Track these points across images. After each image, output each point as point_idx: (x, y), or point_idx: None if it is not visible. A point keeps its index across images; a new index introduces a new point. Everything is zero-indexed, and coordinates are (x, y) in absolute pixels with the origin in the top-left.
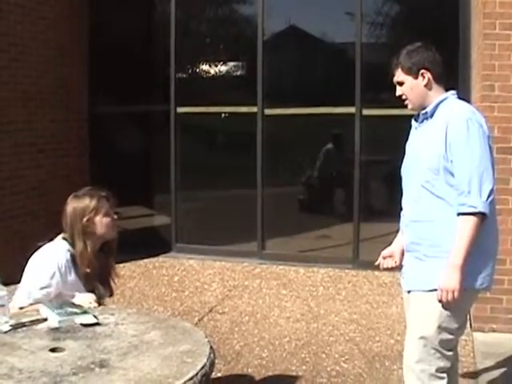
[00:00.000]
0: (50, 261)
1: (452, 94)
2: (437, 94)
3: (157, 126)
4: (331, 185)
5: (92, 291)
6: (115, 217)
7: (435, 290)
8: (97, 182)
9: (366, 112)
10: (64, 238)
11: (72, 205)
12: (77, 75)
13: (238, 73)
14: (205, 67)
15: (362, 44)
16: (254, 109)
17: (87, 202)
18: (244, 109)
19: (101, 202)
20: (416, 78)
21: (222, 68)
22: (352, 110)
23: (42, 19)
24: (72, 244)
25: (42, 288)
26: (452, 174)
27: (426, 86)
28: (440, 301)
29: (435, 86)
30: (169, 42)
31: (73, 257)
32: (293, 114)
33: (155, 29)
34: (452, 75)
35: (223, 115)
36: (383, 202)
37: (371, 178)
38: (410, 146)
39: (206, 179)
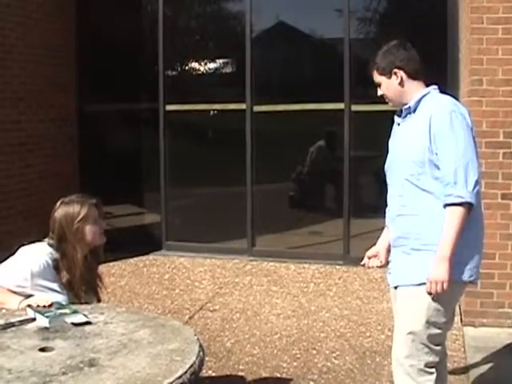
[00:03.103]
0: (24, 262)
1: (434, 88)
2: (416, 90)
3: (146, 124)
4: (321, 181)
5: (79, 298)
6: (103, 224)
7: (423, 284)
8: (86, 181)
9: (355, 108)
10: (49, 243)
11: (61, 211)
12: (65, 74)
13: (227, 70)
14: (193, 65)
15: (350, 40)
16: (243, 106)
17: (78, 209)
18: (232, 106)
19: (91, 209)
20: (390, 77)
21: (211, 65)
22: (341, 105)
23: (28, 18)
24: (58, 249)
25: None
26: (437, 167)
27: (400, 84)
28: (429, 293)
29: (411, 82)
30: (157, 40)
31: (55, 261)
32: (281, 110)
33: (143, 27)
34: (440, 70)
35: (212, 112)
36: (373, 198)
37: (361, 173)
38: (393, 142)
39: (196, 177)
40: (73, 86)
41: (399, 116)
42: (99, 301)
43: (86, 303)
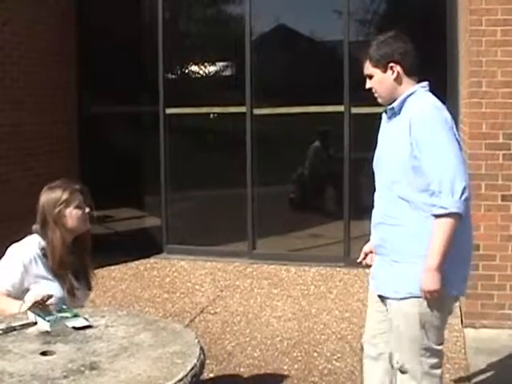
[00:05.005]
0: (15, 259)
1: (421, 86)
2: (407, 87)
3: (146, 127)
4: (321, 183)
5: (66, 284)
6: (87, 210)
7: (410, 297)
8: (87, 184)
9: (354, 110)
10: (36, 231)
11: (45, 196)
12: (66, 77)
13: (227, 73)
14: (193, 68)
15: (349, 42)
16: (243, 109)
17: (59, 194)
18: (233, 109)
19: (73, 194)
20: (385, 71)
21: (211, 68)
22: (341, 108)
23: (29, 22)
24: (43, 235)
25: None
26: (419, 176)
27: (395, 79)
28: (426, 298)
29: (406, 79)
30: (157, 43)
31: (43, 250)
32: (281, 113)
33: (143, 30)
34: (440, 72)
35: (212, 115)
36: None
37: (361, 175)
38: (380, 139)
39: (196, 180)
40: (73, 89)
41: (386, 113)
42: (90, 289)
43: (76, 289)
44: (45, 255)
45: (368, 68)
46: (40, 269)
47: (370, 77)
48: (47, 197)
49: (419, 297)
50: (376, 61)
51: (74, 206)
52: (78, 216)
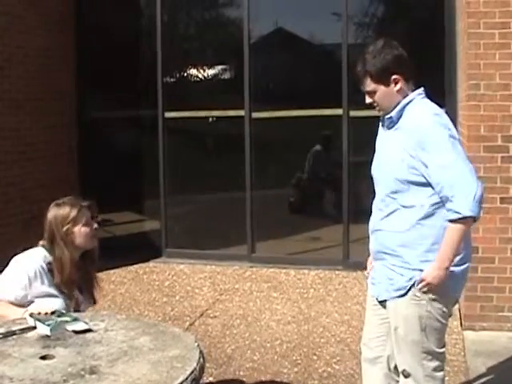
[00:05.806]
0: (20, 271)
1: (418, 94)
2: (406, 95)
3: (145, 131)
4: (320, 187)
5: (71, 299)
6: (95, 226)
7: (405, 294)
8: (86, 189)
9: (353, 113)
10: (43, 245)
11: (53, 212)
12: (65, 82)
13: (225, 76)
14: (192, 71)
15: (348, 45)
16: (242, 112)
17: (68, 211)
18: (231, 112)
19: (81, 211)
20: (388, 85)
21: (209, 72)
22: (339, 111)
23: (28, 26)
24: (50, 251)
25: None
26: (421, 184)
27: (398, 91)
28: (420, 288)
29: (406, 86)
30: (155, 47)
31: (49, 265)
32: (280, 116)
33: (142, 34)
34: (438, 75)
35: (211, 119)
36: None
37: (360, 179)
38: (378, 146)
39: (195, 183)
40: (73, 93)
41: (383, 124)
42: (95, 302)
43: (80, 307)
44: (50, 270)
45: (369, 85)
46: (44, 284)
47: (374, 93)
48: (55, 214)
49: (418, 295)
50: (377, 76)
51: (82, 224)
52: (86, 233)
